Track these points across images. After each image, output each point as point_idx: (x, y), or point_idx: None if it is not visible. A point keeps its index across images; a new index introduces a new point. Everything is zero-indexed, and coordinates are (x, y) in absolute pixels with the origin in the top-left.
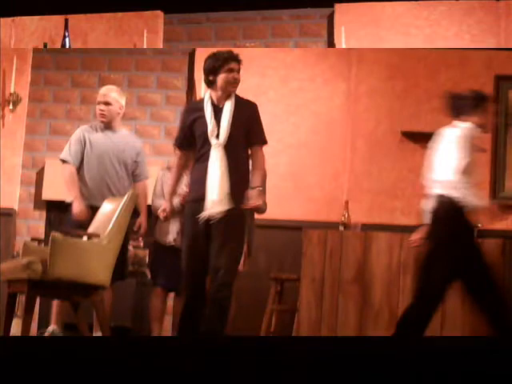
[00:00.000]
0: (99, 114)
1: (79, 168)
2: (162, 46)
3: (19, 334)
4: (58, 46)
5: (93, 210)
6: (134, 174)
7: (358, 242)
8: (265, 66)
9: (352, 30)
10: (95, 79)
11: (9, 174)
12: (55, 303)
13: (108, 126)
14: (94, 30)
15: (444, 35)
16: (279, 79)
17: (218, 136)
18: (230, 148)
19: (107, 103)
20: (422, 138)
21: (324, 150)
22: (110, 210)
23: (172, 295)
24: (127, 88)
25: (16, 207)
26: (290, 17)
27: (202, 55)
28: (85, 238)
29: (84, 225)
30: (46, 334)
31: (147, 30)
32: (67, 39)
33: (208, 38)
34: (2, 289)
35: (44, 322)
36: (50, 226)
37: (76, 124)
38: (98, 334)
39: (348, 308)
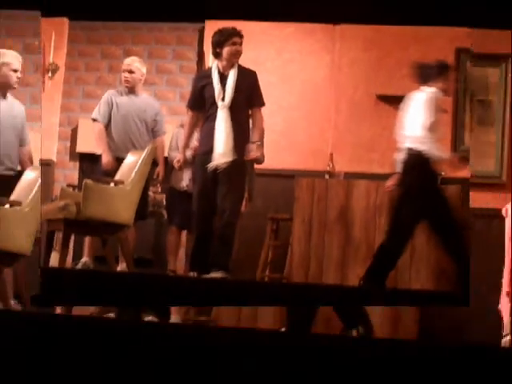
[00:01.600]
0: (124, 81)
1: (107, 126)
2: (66, 46)
3: (57, 265)
4: None
5: (119, 160)
6: (154, 131)
7: (341, 188)
8: (263, 41)
9: None
10: (120, 51)
11: (48, 131)
12: (87, 239)
13: (131, 90)
14: None
15: (291, 50)
16: (275, 52)
17: (223, 99)
18: (233, 109)
19: (131, 71)
20: (394, 101)
21: (312, 112)
22: (133, 161)
23: (185, 233)
24: (147, 59)
25: (54, 158)
26: (169, 28)
27: (210, 31)
28: (112, 185)
29: (111, 173)
30: (80, 265)
31: (55, 32)
32: None
33: (104, 42)
34: (43, 227)
35: (77, 256)
36: (82, 174)
37: (105, 89)
38: (123, 265)
39: (332, 243)
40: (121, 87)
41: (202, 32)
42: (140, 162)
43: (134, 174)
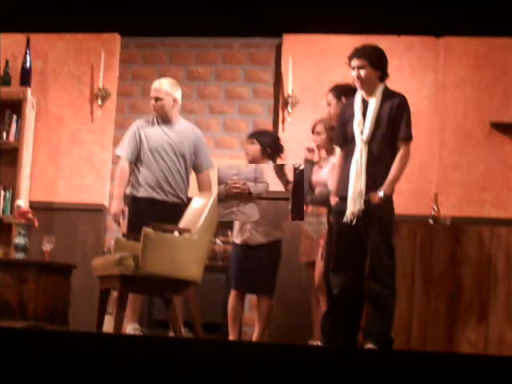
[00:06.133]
0: (152, 109)
1: (136, 163)
2: (118, 68)
3: (111, 331)
4: (20, 63)
5: (152, 202)
6: (195, 165)
7: (448, 236)
8: None
9: (299, 59)
10: (183, 73)
11: (99, 169)
12: (130, 300)
13: (164, 119)
14: (54, 50)
15: None
16: None
17: (362, 132)
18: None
19: (157, 98)
20: (511, 129)
21: (412, 143)
22: (200, 205)
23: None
24: (215, 81)
25: (106, 203)
26: (240, 45)
27: (288, 48)
28: (176, 233)
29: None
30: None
31: (104, 52)
32: (28, 57)
33: (162, 62)
34: (95, 285)
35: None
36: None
37: None
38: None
39: (439, 301)
40: (151, 115)
41: (279, 49)
42: (209, 206)
43: (202, 220)
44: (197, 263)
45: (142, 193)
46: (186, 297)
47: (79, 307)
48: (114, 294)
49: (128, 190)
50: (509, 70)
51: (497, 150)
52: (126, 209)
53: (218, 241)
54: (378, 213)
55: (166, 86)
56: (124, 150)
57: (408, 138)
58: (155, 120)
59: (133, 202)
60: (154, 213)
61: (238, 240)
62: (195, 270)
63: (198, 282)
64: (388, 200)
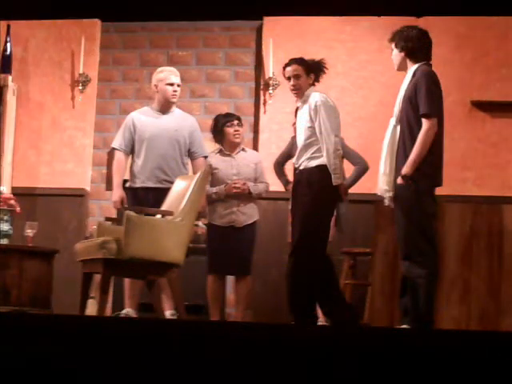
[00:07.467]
0: (172, 95)
1: (132, 153)
2: (98, 53)
3: (94, 315)
4: (0, 50)
5: (147, 191)
6: (191, 152)
7: None
8: (332, 39)
9: (279, 42)
10: (163, 57)
11: (80, 155)
12: (127, 286)
13: (162, 108)
14: (35, 37)
15: (366, 49)
16: (347, 52)
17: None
18: None
19: (179, 85)
20: (492, 108)
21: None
22: (182, 188)
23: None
24: (195, 65)
25: (88, 188)
26: (220, 28)
27: (269, 31)
28: (159, 216)
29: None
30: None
31: (85, 37)
32: (9, 44)
33: (142, 46)
34: (78, 270)
35: (118, 305)
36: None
37: (145, 103)
38: (170, 311)
39: None
40: (146, 106)
41: (259, 31)
42: (191, 188)
43: (184, 202)
44: (179, 245)
45: (139, 183)
46: (169, 279)
47: (62, 292)
48: (97, 278)
49: (127, 184)
50: (489, 49)
51: (478, 128)
52: (125, 196)
53: (200, 223)
54: (399, 193)
55: (177, 75)
56: (118, 142)
57: (424, 115)
58: (150, 109)
59: (131, 192)
60: (150, 200)
61: (220, 222)
62: (178, 252)
63: (180, 265)
64: (408, 180)
